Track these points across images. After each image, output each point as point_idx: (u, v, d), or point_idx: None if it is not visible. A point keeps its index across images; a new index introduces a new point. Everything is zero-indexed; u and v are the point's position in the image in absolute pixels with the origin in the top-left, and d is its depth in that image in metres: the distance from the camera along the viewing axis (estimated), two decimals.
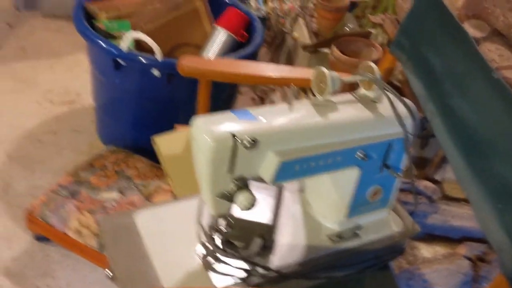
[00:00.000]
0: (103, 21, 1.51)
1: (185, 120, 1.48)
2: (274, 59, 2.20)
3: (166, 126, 1.26)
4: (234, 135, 0.67)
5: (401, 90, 1.35)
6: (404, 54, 0.93)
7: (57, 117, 1.90)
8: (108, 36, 1.49)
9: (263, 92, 2.22)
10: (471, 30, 1.12)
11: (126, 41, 1.38)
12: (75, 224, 1.30)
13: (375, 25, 1.58)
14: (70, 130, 1.85)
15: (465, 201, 1.22)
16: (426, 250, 1.19)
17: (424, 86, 0.84)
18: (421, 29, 0.87)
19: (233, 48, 1.61)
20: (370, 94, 0.81)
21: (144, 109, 1.57)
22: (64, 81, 2.08)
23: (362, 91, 0.82)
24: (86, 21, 1.49)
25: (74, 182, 1.39)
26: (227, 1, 1.74)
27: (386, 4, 1.61)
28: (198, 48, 1.66)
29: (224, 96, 1.62)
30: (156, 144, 1.15)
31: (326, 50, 1.65)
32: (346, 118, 0.77)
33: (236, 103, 1.78)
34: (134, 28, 1.51)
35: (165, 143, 1.14)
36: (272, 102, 1.76)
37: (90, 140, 1.81)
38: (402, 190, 1.17)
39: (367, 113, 0.78)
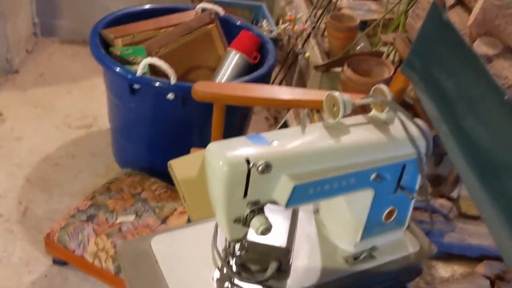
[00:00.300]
0: (118, 48, 1.55)
1: (200, 141, 1.51)
2: (287, 79, 2.22)
3: (181, 148, 1.27)
4: (248, 160, 0.68)
5: (413, 108, 1.35)
6: (415, 74, 0.93)
7: (75, 141, 1.93)
8: (124, 61, 1.52)
9: (277, 112, 2.23)
10: (484, 47, 1.12)
11: (141, 67, 1.41)
12: (92, 248, 1.32)
13: (386, 43, 1.59)
14: (88, 153, 1.88)
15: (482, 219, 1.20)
16: (444, 270, 1.18)
17: (436, 107, 0.84)
18: (432, 50, 0.88)
19: (246, 70, 1.63)
20: (382, 115, 0.81)
21: (159, 131, 1.60)
22: (81, 106, 2.12)
23: (374, 113, 0.83)
24: (102, 47, 1.52)
25: (91, 206, 1.41)
26: (240, 24, 1.77)
27: (397, 23, 1.62)
28: (211, 70, 1.68)
29: (238, 117, 1.64)
30: (171, 168, 1.16)
31: (337, 69, 1.66)
32: (359, 140, 0.77)
33: (250, 122, 1.79)
34: (149, 52, 1.54)
35: (180, 167, 1.15)
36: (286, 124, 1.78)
37: (107, 162, 1.84)
38: (417, 209, 1.16)
39: (380, 135, 0.79)
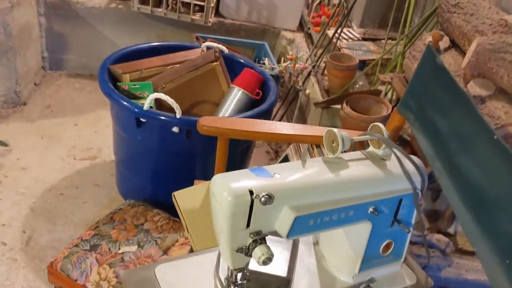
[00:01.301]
0: (126, 83, 1.60)
1: (203, 173, 1.54)
2: (287, 115, 2.27)
3: (184, 179, 1.31)
4: (251, 191, 0.71)
5: (410, 145, 1.39)
6: (411, 114, 0.97)
7: (80, 171, 1.97)
8: (131, 96, 1.57)
9: (277, 146, 2.28)
10: (477, 88, 1.17)
11: (148, 101, 1.46)
12: (95, 277, 1.34)
13: (384, 83, 1.65)
14: (92, 184, 1.91)
15: None
16: None
17: (431, 145, 0.88)
18: (426, 92, 0.92)
19: (248, 106, 1.68)
20: (379, 152, 0.86)
21: (163, 163, 1.63)
22: (86, 137, 2.16)
23: (371, 149, 0.87)
24: (110, 82, 1.58)
25: (95, 236, 1.43)
26: (243, 62, 1.84)
27: (395, 63, 1.68)
28: (215, 105, 1.74)
29: (240, 150, 1.68)
30: (175, 199, 1.19)
31: (337, 106, 1.72)
32: (358, 175, 0.81)
33: (251, 156, 1.83)
34: (155, 87, 1.59)
35: (184, 198, 1.19)
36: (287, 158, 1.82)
37: (110, 193, 1.86)
38: (414, 244, 1.18)
39: (377, 170, 0.83)
